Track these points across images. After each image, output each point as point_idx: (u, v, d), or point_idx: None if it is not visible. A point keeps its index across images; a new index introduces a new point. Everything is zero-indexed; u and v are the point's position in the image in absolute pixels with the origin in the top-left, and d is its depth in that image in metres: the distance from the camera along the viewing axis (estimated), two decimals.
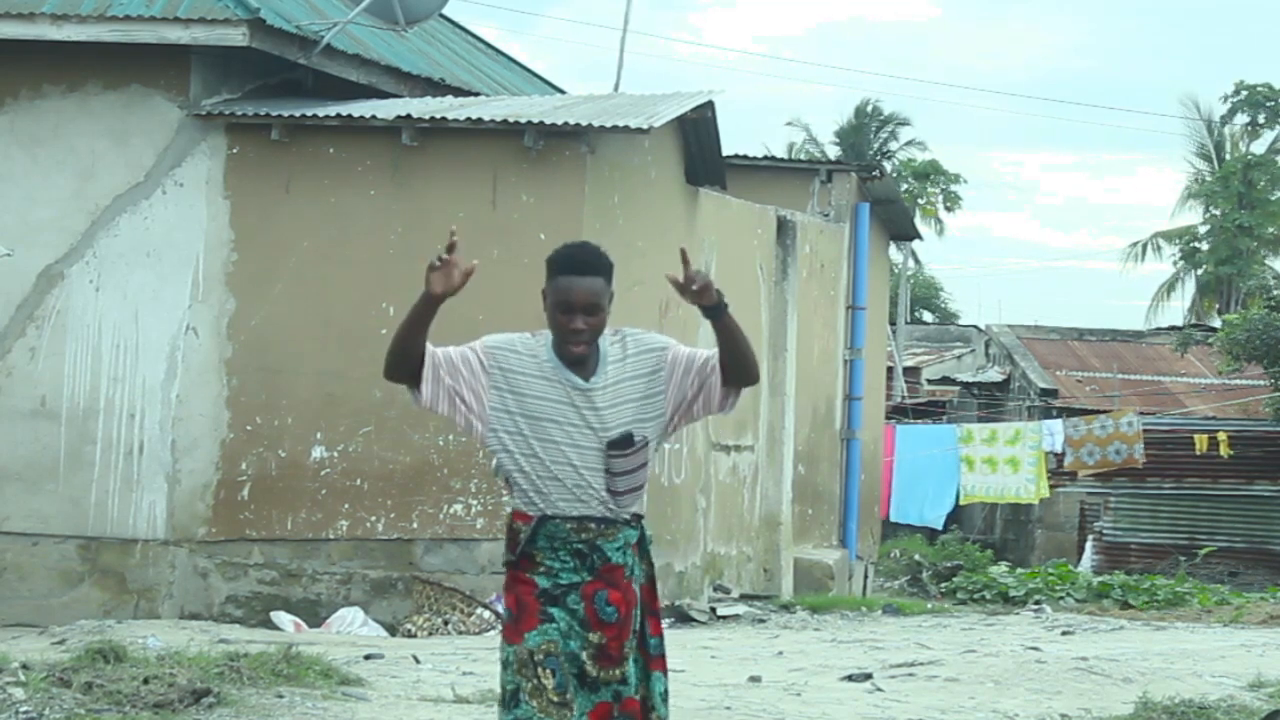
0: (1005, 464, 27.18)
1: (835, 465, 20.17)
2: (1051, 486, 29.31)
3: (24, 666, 8.89)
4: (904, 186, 47.95)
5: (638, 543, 5.34)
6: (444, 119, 12.90)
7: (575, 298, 5.15)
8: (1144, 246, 50.01)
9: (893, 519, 27.12)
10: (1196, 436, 29.12)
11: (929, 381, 38.22)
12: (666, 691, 5.36)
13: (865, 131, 53.76)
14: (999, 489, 27.40)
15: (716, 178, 15.41)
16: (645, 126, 12.63)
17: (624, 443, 5.23)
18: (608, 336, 5.32)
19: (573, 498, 5.22)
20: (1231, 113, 47.03)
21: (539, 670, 5.13)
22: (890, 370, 29.93)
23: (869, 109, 54.16)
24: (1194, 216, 48.87)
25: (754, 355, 5.33)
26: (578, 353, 5.18)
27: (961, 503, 27.86)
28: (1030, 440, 27.30)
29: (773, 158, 22.94)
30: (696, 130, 14.57)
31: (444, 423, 12.92)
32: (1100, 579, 22.39)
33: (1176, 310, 48.06)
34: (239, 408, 13.11)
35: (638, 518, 5.33)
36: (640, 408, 5.27)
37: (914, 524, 28.15)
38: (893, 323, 32.22)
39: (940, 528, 28.20)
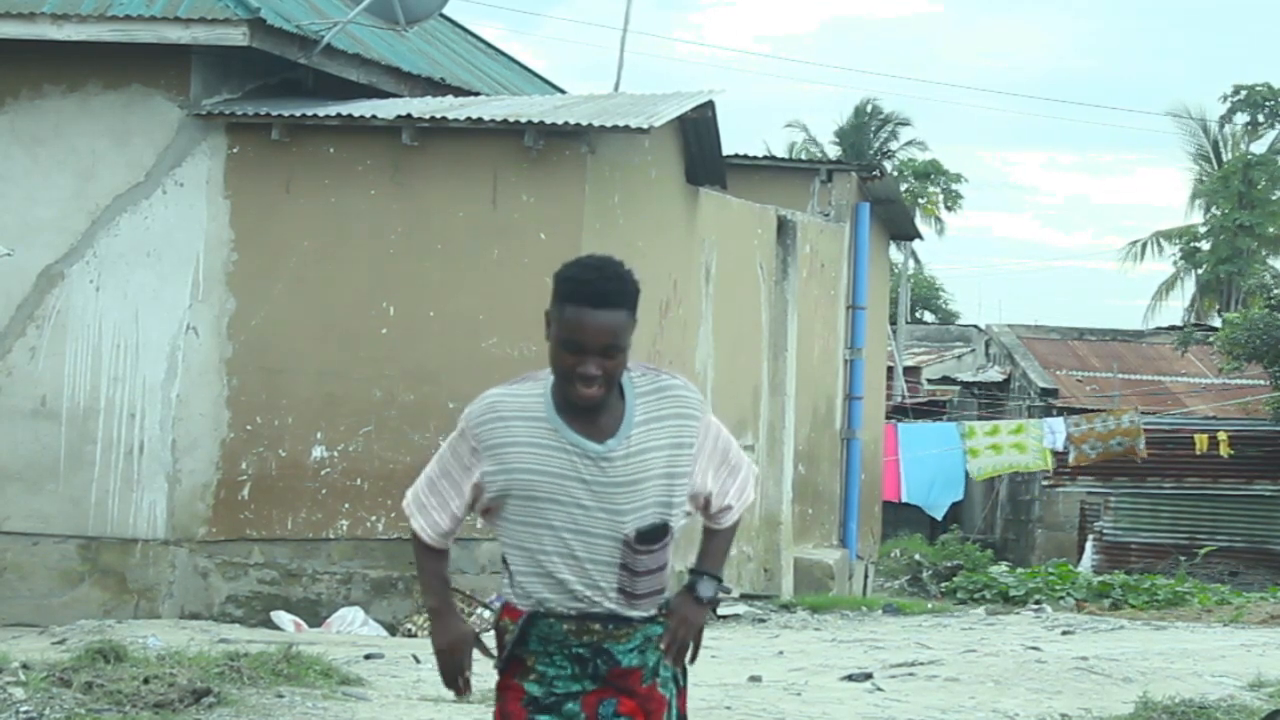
0: (1011, 448, 27.28)
1: (835, 465, 20.17)
2: (1052, 486, 29.31)
3: (24, 666, 8.89)
4: (904, 186, 47.93)
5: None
6: (444, 119, 12.89)
7: (587, 338, 4.02)
8: (1144, 246, 50.01)
9: (905, 500, 27.25)
10: (1196, 436, 29.12)
11: (929, 381, 38.20)
12: None
13: (865, 131, 53.74)
14: (1008, 465, 27.58)
15: (717, 177, 15.41)
16: (645, 126, 12.63)
17: (654, 535, 4.15)
18: (634, 379, 4.19)
19: (572, 597, 4.13)
20: (1230, 113, 47.03)
21: None
22: (890, 370, 29.93)
23: (868, 108, 54.16)
24: (1192, 216, 48.90)
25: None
26: (587, 399, 4.05)
27: (975, 479, 28.01)
28: (1033, 433, 27.35)
29: (773, 157, 22.95)
30: (697, 130, 14.57)
31: (445, 423, 12.92)
32: (1100, 579, 22.40)
33: (1176, 310, 48.08)
34: (239, 407, 13.10)
35: (663, 611, 4.24)
36: (666, 488, 4.14)
37: (923, 505, 28.26)
38: (893, 322, 32.22)
39: (940, 518, 28.23)
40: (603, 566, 4.12)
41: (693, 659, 4.16)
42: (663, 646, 4.17)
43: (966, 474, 27.73)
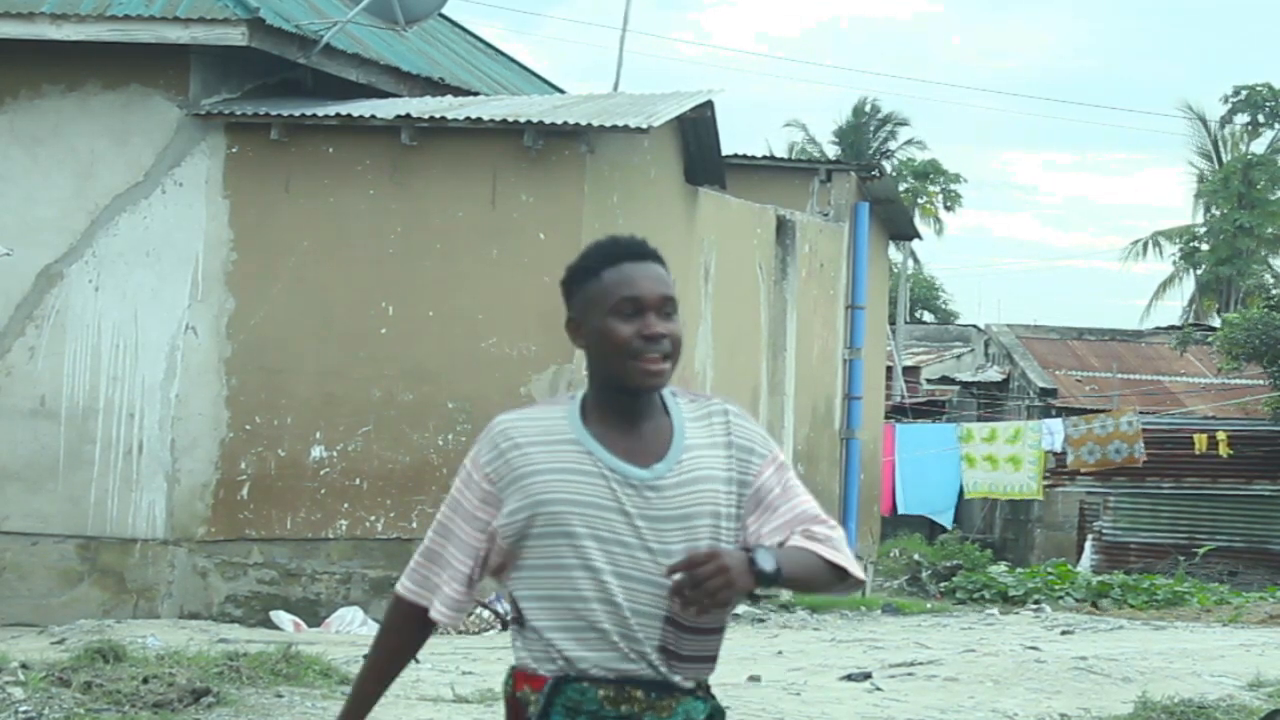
0: (1006, 462, 27.20)
1: (835, 465, 20.17)
2: (1051, 486, 29.30)
3: (23, 666, 8.90)
4: (903, 186, 47.94)
5: None
6: (443, 119, 12.90)
7: (643, 288, 3.37)
8: (1144, 245, 50.04)
9: (900, 511, 27.16)
10: (1196, 436, 29.11)
11: (928, 381, 38.20)
12: None
13: (864, 131, 53.75)
14: (1001, 485, 27.44)
15: (716, 177, 15.42)
16: (645, 126, 12.63)
17: None
18: (678, 399, 3.52)
19: (613, 651, 3.38)
20: (1231, 113, 47.05)
21: None
22: (890, 370, 29.92)
23: (867, 108, 54.18)
24: (1183, 217, 48.96)
25: (838, 575, 3.48)
26: (656, 374, 3.38)
27: (966, 497, 27.90)
28: (1030, 439, 27.31)
29: (772, 157, 22.95)
30: (696, 130, 14.57)
31: (444, 422, 12.93)
32: (1100, 578, 22.40)
33: (1175, 310, 48.08)
34: (238, 407, 13.11)
35: (705, 687, 3.51)
36: (714, 529, 3.41)
37: (920, 514, 28.18)
38: (892, 322, 32.22)
39: (949, 525, 28.21)
40: (644, 619, 3.37)
41: (699, 610, 3.25)
42: (677, 574, 3.26)
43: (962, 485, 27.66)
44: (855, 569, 3.46)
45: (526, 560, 3.41)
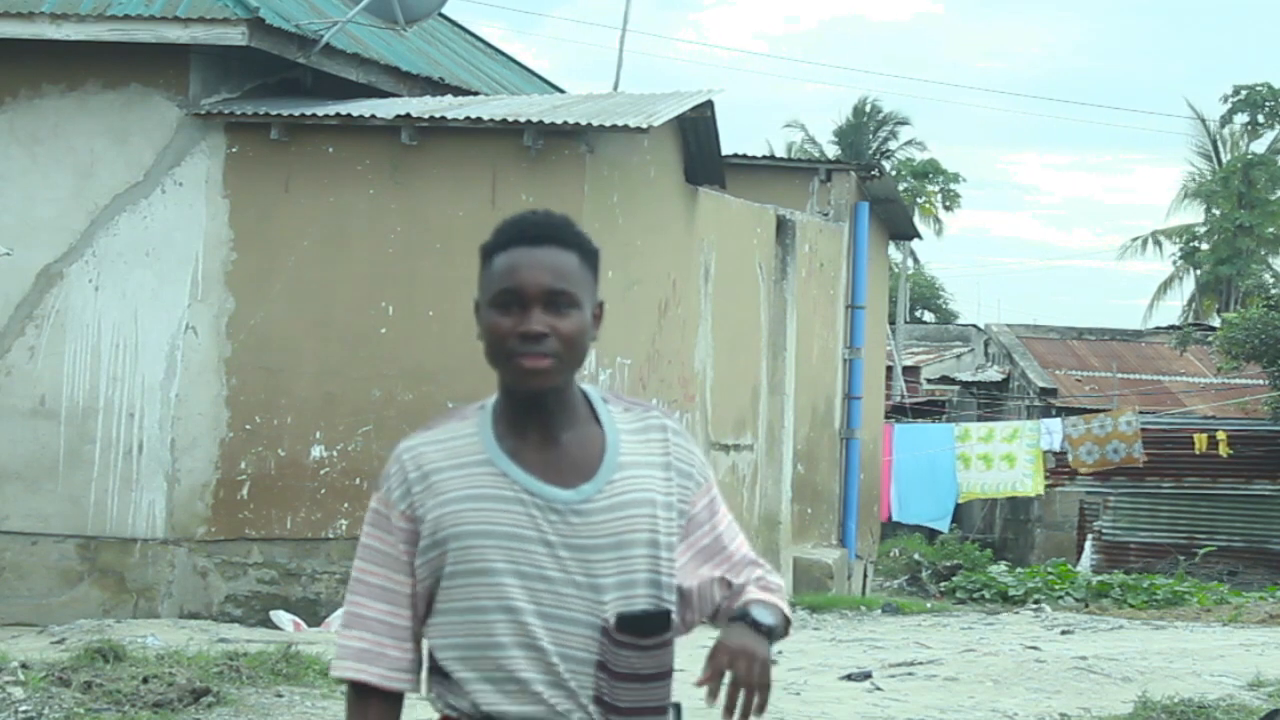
0: (1001, 460, 27.19)
1: (835, 464, 20.17)
2: (1051, 486, 29.30)
3: (23, 666, 8.90)
4: (903, 186, 47.94)
5: None
6: (443, 118, 12.89)
7: (524, 278, 2.96)
8: (1144, 242, 50.05)
9: (894, 519, 27.13)
10: (1196, 436, 29.12)
11: (928, 381, 38.21)
12: None
13: (864, 131, 53.77)
14: (995, 485, 27.41)
15: (716, 177, 15.41)
16: (644, 126, 12.63)
17: (646, 626, 2.98)
18: (612, 410, 3.08)
19: (538, 705, 2.96)
20: (1231, 113, 47.06)
21: None
22: (890, 369, 29.93)
23: (867, 108, 54.19)
24: (1190, 216, 48.92)
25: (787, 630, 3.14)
26: (534, 376, 2.92)
27: (961, 500, 27.87)
28: (1028, 439, 27.30)
29: (772, 157, 22.95)
30: (696, 129, 14.57)
31: None
32: (1099, 578, 22.41)
33: (1174, 310, 48.10)
34: (238, 407, 13.10)
35: (673, 708, 3.14)
36: (654, 560, 3.01)
37: (916, 524, 28.14)
38: (892, 322, 32.22)
39: (946, 529, 28.21)
40: (575, 665, 2.95)
41: (760, 709, 2.93)
42: (715, 696, 3.00)
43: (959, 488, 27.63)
44: (792, 619, 3.17)
45: (442, 603, 2.98)
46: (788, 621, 3.10)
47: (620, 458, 3.00)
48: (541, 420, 2.97)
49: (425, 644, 3.06)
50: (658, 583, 3.00)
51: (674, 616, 3.02)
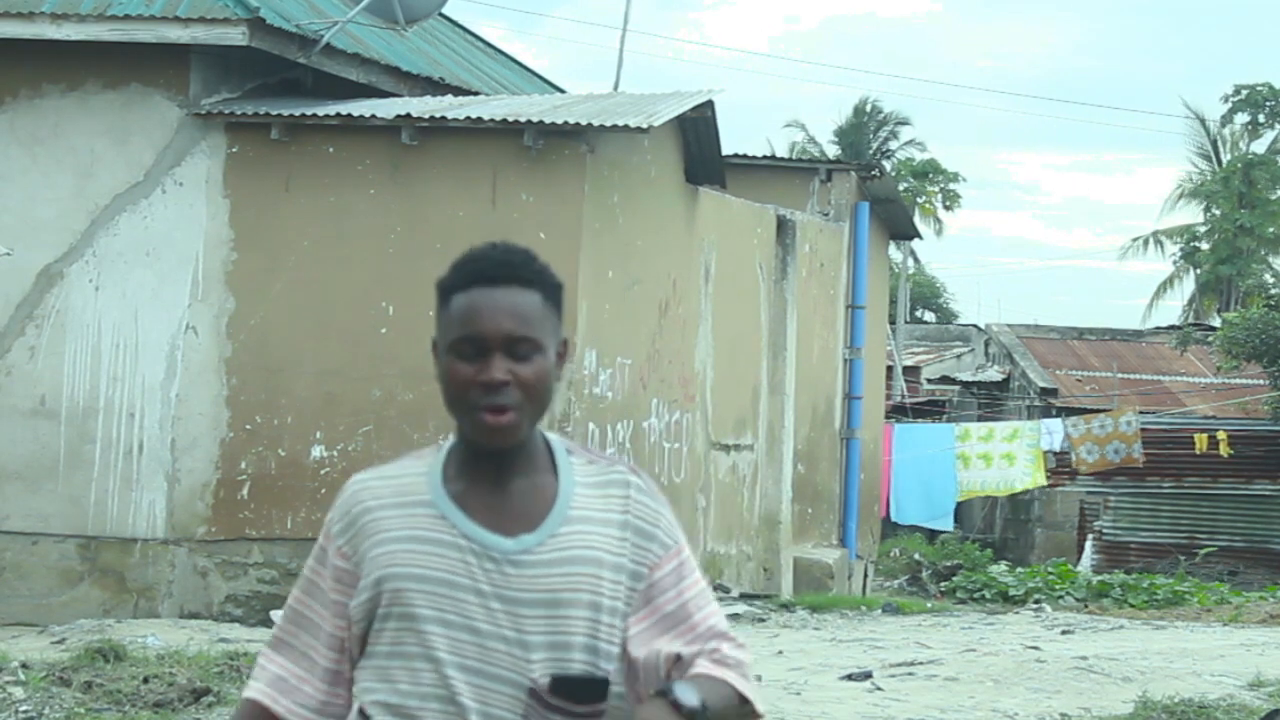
0: (1001, 459, 27.20)
1: (835, 464, 20.17)
2: (1051, 486, 29.30)
3: (24, 665, 8.90)
4: (903, 186, 47.93)
5: None
6: (444, 118, 12.89)
7: (484, 324, 2.76)
8: (1144, 242, 50.05)
9: (893, 519, 27.13)
10: (1196, 436, 29.12)
11: (929, 381, 38.20)
12: None
13: (864, 131, 53.77)
14: (995, 483, 27.41)
15: (716, 177, 15.41)
16: (645, 126, 12.63)
17: (580, 692, 2.78)
18: (573, 460, 2.90)
19: None
20: (1231, 113, 47.05)
21: None
22: (890, 369, 29.92)
23: (867, 108, 54.20)
24: (1185, 216, 48.93)
25: (747, 710, 2.87)
26: (498, 429, 2.76)
27: (959, 499, 27.86)
28: (1028, 439, 27.31)
29: (772, 157, 22.96)
30: (696, 129, 14.57)
31: (444, 422, 12.92)
32: (1100, 578, 22.41)
33: (1174, 309, 48.10)
34: (238, 407, 13.10)
35: None
36: (593, 624, 2.81)
37: (915, 524, 28.14)
38: (892, 322, 32.21)
39: (949, 529, 28.20)
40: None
41: None
42: None
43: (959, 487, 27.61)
44: (759, 701, 2.90)
45: (371, 646, 2.84)
46: (742, 700, 2.82)
47: (571, 511, 2.81)
48: (496, 466, 2.82)
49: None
50: (595, 648, 2.79)
51: (612, 685, 2.79)
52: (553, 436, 2.89)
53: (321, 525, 2.93)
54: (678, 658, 2.83)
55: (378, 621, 2.81)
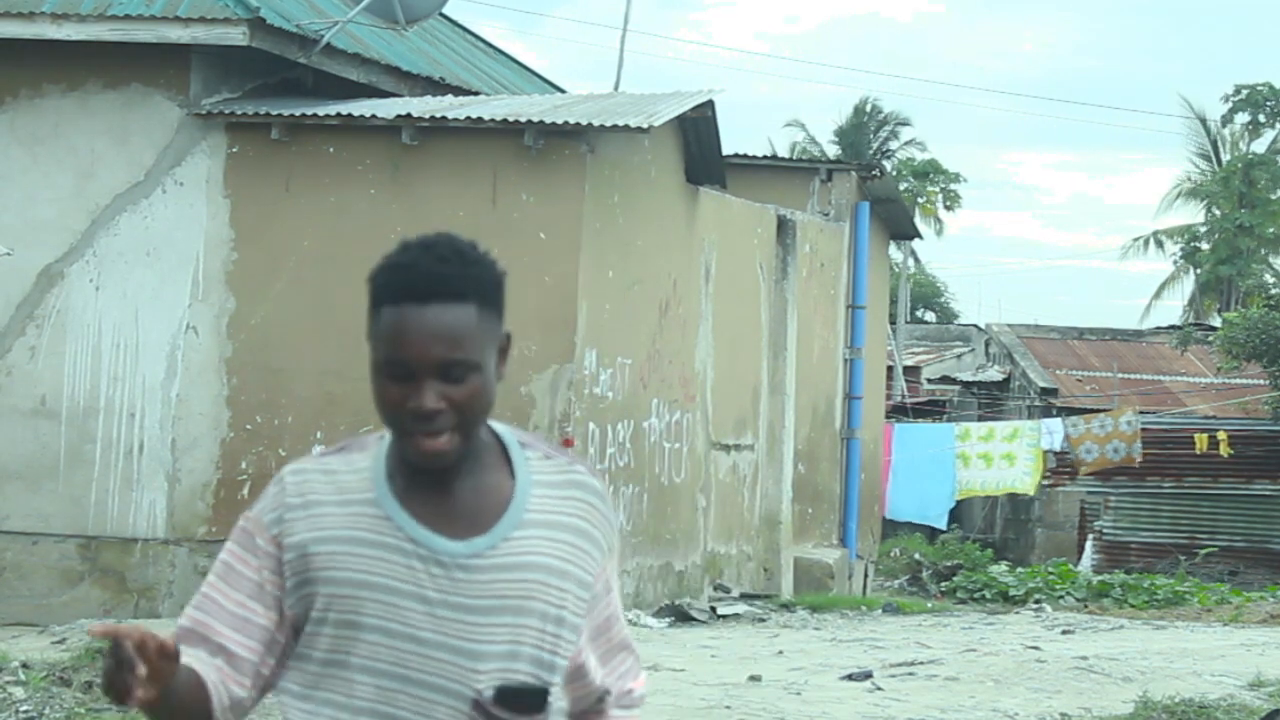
0: (1001, 459, 27.18)
1: (835, 464, 20.17)
2: (1052, 485, 29.31)
3: (24, 665, 8.90)
4: (903, 186, 47.94)
5: None
6: (444, 118, 12.90)
7: (413, 349, 2.55)
8: (1145, 241, 50.06)
9: (889, 516, 27.12)
10: (1196, 435, 29.11)
11: (929, 381, 38.19)
12: None
13: (864, 131, 53.78)
14: (995, 482, 27.40)
15: (716, 177, 15.41)
16: (645, 126, 12.63)
17: (524, 703, 2.63)
18: (530, 457, 2.71)
19: None
20: (1231, 113, 47.05)
21: None
22: (890, 369, 29.92)
23: (868, 108, 54.21)
24: (1185, 216, 48.93)
25: None
26: (431, 455, 2.57)
27: (957, 498, 27.85)
28: (1029, 438, 27.29)
29: (773, 157, 22.97)
30: (696, 129, 14.57)
31: None
32: (1100, 578, 22.41)
33: (1175, 309, 48.11)
34: (239, 407, 13.11)
35: None
36: (543, 637, 2.65)
37: (911, 521, 28.12)
38: (893, 322, 32.21)
39: (944, 527, 28.18)
40: None
41: None
42: None
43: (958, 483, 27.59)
44: (642, 696, 2.88)
45: (302, 649, 2.64)
46: None
47: (526, 514, 2.63)
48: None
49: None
50: (541, 660, 2.62)
51: (554, 700, 2.66)
52: (502, 428, 2.70)
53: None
54: (602, 694, 2.78)
55: (311, 625, 2.62)
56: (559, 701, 2.68)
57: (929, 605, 18.30)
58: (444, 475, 2.61)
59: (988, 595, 21.61)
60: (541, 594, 2.61)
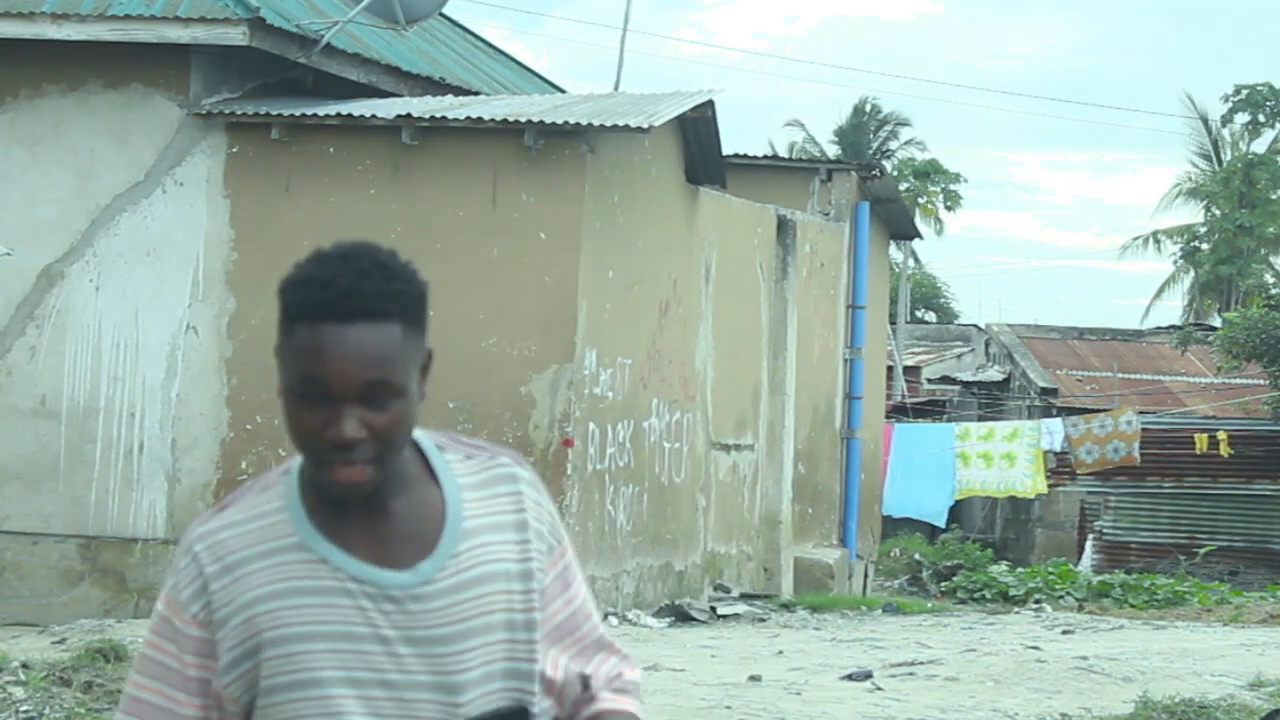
0: (1001, 459, 27.18)
1: (835, 464, 20.16)
2: (1051, 485, 29.29)
3: (24, 665, 8.90)
4: (904, 186, 47.93)
5: None
6: (444, 118, 12.90)
7: (332, 372, 2.42)
8: (1145, 241, 50.06)
9: (886, 512, 27.13)
10: (1196, 435, 29.11)
11: (929, 380, 38.18)
12: None
13: (864, 131, 53.77)
14: (995, 483, 27.39)
15: (716, 177, 15.41)
16: (645, 126, 12.63)
17: None
18: (449, 459, 2.51)
19: None
20: (1231, 113, 47.05)
21: None
22: (890, 369, 29.92)
23: (867, 108, 54.21)
24: (1184, 215, 48.93)
25: None
26: (348, 486, 2.36)
27: (957, 497, 27.85)
28: (1028, 439, 27.30)
29: (773, 157, 22.96)
30: (696, 129, 14.57)
31: (444, 422, 12.91)
32: (1100, 578, 22.42)
33: (1175, 309, 48.11)
34: (239, 407, 13.11)
35: None
36: (513, 647, 2.46)
37: (910, 518, 28.12)
38: (893, 322, 32.21)
39: (942, 524, 28.18)
40: None
41: None
42: None
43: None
44: (638, 679, 2.67)
45: None
46: None
47: (465, 523, 2.42)
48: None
49: None
50: (516, 671, 2.44)
51: (531, 713, 2.46)
52: (416, 433, 2.49)
53: None
54: (585, 680, 2.56)
55: (264, 697, 2.37)
56: (543, 717, 2.49)
57: (929, 605, 18.30)
58: (369, 500, 2.40)
59: (988, 595, 21.61)
60: (504, 604, 2.42)
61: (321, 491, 2.40)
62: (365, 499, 2.39)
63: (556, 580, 2.51)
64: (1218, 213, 46.05)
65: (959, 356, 39.53)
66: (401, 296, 2.37)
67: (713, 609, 14.93)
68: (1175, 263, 48.94)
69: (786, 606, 15.91)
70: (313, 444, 2.38)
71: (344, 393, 2.36)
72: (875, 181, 20.44)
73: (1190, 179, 48.05)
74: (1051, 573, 22.50)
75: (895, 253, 35.59)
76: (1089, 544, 30.10)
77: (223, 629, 2.37)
